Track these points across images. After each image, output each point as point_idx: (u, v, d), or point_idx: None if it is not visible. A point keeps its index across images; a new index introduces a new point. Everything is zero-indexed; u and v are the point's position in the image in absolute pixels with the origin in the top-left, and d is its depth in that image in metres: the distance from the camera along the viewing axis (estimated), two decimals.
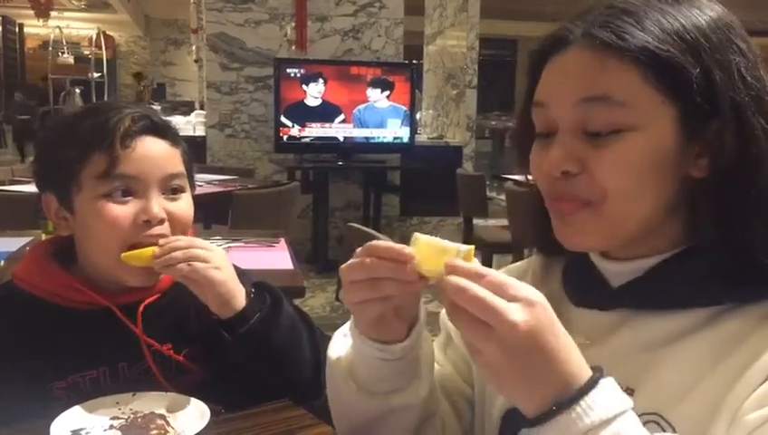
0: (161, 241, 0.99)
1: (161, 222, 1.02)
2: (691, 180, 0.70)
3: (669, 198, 0.71)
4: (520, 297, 0.58)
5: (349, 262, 0.68)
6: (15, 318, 1.04)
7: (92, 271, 1.06)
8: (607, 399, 0.58)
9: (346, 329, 0.83)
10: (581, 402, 0.57)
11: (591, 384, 0.58)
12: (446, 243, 0.64)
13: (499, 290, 0.58)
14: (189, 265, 0.98)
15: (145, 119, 1.04)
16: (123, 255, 0.98)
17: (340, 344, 0.83)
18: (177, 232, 1.05)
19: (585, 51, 0.70)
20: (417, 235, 0.66)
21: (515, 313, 0.57)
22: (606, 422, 0.57)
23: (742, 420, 0.63)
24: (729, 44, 0.70)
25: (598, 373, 0.59)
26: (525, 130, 0.78)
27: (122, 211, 1.00)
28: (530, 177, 0.79)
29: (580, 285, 0.81)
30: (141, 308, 1.03)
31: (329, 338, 0.88)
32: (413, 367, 0.79)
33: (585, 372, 0.59)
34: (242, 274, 1.20)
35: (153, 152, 1.04)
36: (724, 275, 0.69)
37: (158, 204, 1.02)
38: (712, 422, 0.65)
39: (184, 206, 1.07)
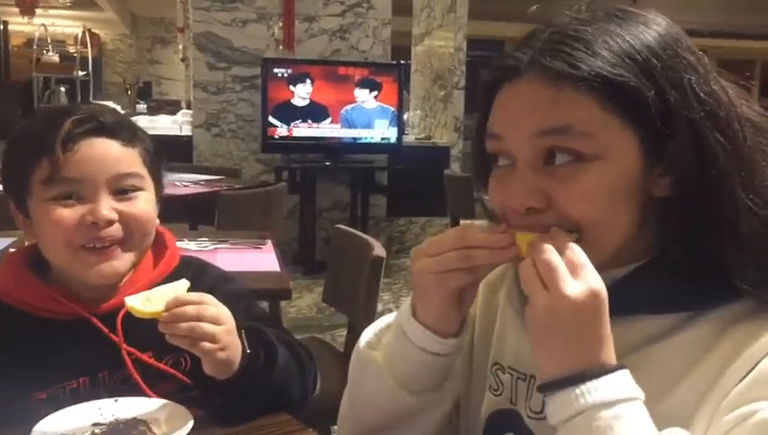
0: (169, 302, 0.90)
1: (110, 223, 1.01)
2: (655, 199, 0.70)
3: (638, 217, 0.71)
4: (584, 279, 0.63)
5: (437, 236, 0.73)
6: None
7: (63, 277, 1.05)
8: (616, 385, 0.62)
9: (377, 326, 0.85)
10: (589, 383, 0.61)
11: (606, 370, 0.62)
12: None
13: (571, 266, 0.64)
14: (195, 343, 0.91)
15: (91, 120, 1.02)
16: (129, 306, 0.91)
17: (374, 341, 0.84)
18: (133, 232, 1.03)
19: (537, 81, 0.68)
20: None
21: (571, 286, 0.62)
22: (608, 404, 0.60)
23: (719, 421, 0.64)
24: (679, 60, 0.69)
25: (617, 365, 0.63)
26: (481, 158, 0.77)
27: (67, 213, 0.99)
28: (486, 197, 0.78)
29: None
30: (120, 316, 1.01)
31: (315, 341, 0.87)
32: (451, 367, 0.80)
33: (606, 362, 0.63)
34: (230, 279, 1.19)
35: (99, 153, 1.02)
36: (688, 283, 0.70)
37: (107, 205, 1.00)
38: (688, 426, 0.65)
39: (140, 205, 1.04)
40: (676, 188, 0.69)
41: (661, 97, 0.67)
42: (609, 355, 0.63)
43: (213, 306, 0.93)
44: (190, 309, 0.91)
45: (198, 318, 0.91)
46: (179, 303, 0.91)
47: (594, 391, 0.61)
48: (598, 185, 0.68)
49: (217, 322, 0.92)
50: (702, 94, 0.68)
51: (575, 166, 0.68)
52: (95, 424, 0.90)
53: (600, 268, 0.74)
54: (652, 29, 0.70)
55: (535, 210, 0.70)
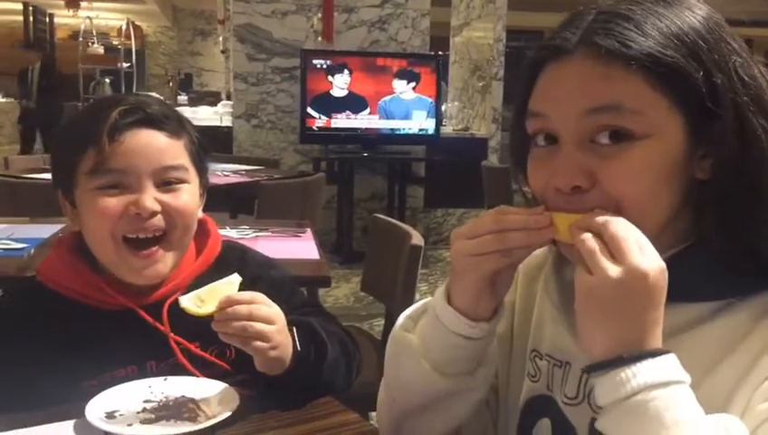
0: (222, 302, 0.91)
1: (153, 215, 1.01)
2: (696, 181, 0.71)
3: (678, 200, 0.71)
4: (651, 255, 0.62)
5: (475, 219, 0.73)
6: (42, 317, 1.04)
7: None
8: (668, 367, 0.62)
9: (412, 309, 0.86)
10: (643, 363, 0.61)
11: (658, 353, 0.62)
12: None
13: (615, 247, 0.63)
14: (247, 341, 0.92)
15: (137, 111, 1.02)
16: (183, 306, 0.92)
17: (409, 324, 0.85)
18: (175, 225, 1.04)
19: (588, 60, 0.69)
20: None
21: (643, 260, 0.62)
22: (663, 385, 0.60)
23: (753, 409, 0.64)
24: (724, 44, 0.69)
25: (667, 349, 0.63)
26: (520, 140, 0.78)
27: (112, 203, 1.00)
28: (526, 188, 0.78)
29: None
30: (166, 307, 1.02)
31: (354, 329, 0.89)
32: (485, 352, 0.81)
33: (655, 344, 0.63)
34: (273, 266, 1.21)
35: (144, 145, 1.02)
36: (726, 269, 0.70)
37: (151, 197, 1.01)
38: (724, 413, 0.65)
39: (184, 198, 1.05)
40: (717, 171, 0.69)
41: (708, 79, 0.67)
42: (659, 338, 0.63)
43: (265, 306, 0.94)
44: (242, 309, 0.91)
45: (250, 317, 0.92)
46: (231, 302, 0.91)
47: (647, 371, 0.61)
48: (643, 163, 0.68)
49: (269, 321, 0.93)
50: (746, 78, 0.69)
51: (623, 144, 0.68)
52: (146, 401, 0.94)
53: None
54: (697, 13, 0.71)
55: (580, 190, 0.70)
